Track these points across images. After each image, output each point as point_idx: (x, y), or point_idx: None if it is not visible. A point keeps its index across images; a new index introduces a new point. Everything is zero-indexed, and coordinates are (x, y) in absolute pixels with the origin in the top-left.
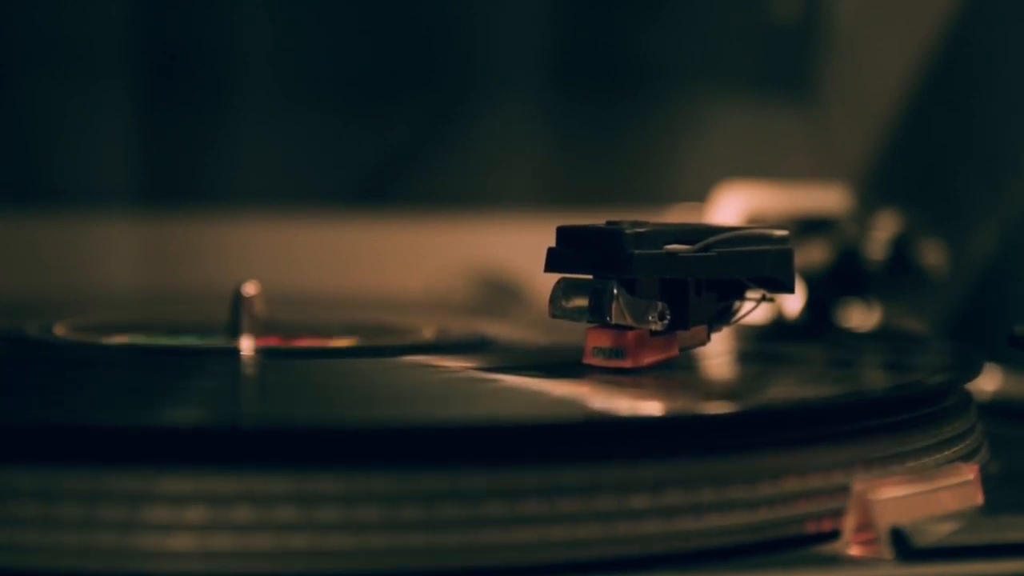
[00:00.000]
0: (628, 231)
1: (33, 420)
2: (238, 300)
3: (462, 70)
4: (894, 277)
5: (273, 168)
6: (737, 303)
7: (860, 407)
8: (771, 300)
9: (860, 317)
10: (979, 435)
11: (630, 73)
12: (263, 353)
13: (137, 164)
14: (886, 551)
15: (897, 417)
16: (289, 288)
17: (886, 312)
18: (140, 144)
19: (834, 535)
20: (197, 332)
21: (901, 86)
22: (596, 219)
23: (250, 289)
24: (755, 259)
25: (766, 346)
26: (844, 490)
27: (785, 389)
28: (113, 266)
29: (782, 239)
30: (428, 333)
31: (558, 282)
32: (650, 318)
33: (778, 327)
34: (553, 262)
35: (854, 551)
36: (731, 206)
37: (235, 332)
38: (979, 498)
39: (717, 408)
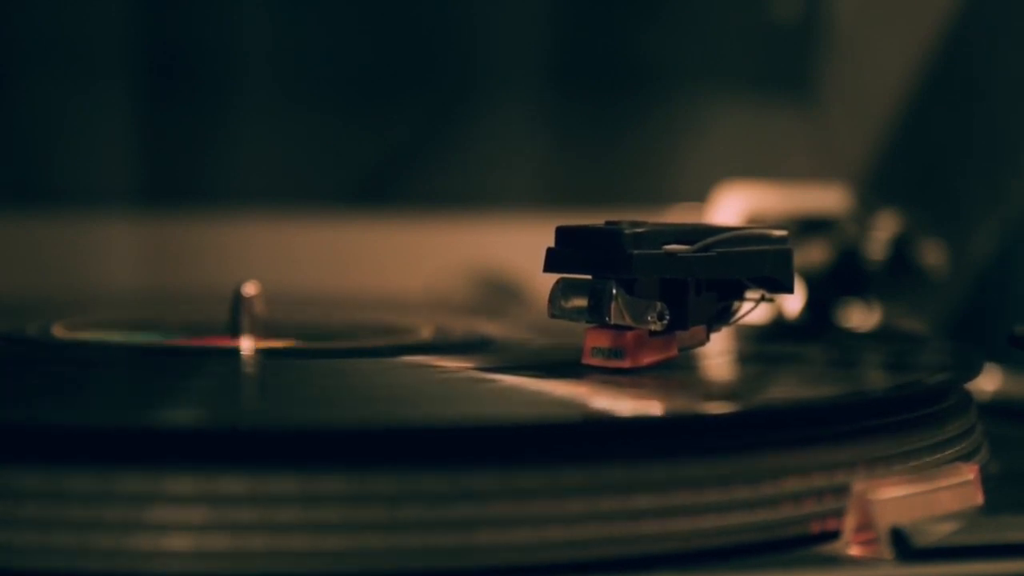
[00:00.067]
0: (627, 231)
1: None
2: (238, 300)
3: (462, 70)
4: (894, 277)
5: (273, 168)
6: (736, 303)
7: (860, 407)
8: (770, 300)
9: (860, 317)
10: (979, 435)
11: (630, 73)
12: (263, 353)
13: (137, 164)
14: (886, 551)
15: (897, 417)
16: (289, 288)
17: (886, 312)
18: (140, 144)
19: (834, 535)
20: (160, 330)
21: (901, 86)
22: (596, 219)
23: (250, 289)
24: (754, 259)
25: (766, 346)
26: (844, 490)
27: (785, 389)
28: (113, 266)
29: (781, 239)
30: (428, 333)
31: (557, 282)
32: (649, 318)
33: (778, 327)
34: (552, 262)
35: (854, 551)
36: (731, 206)
37: (235, 332)
38: (979, 498)
39: (717, 408)
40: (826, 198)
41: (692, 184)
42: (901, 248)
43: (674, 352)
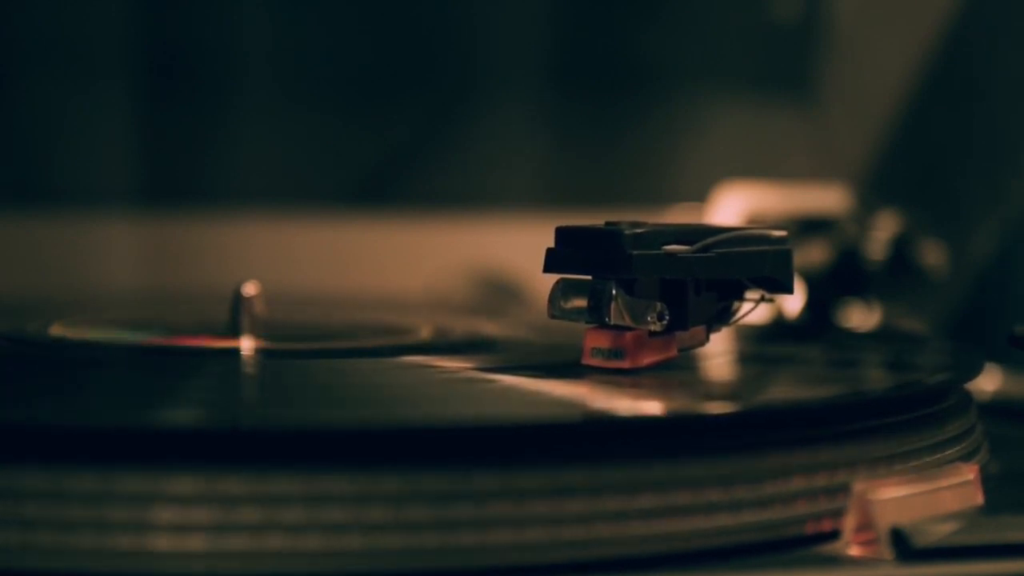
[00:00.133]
0: (627, 231)
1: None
2: (238, 300)
3: (462, 70)
4: (894, 277)
5: (273, 168)
6: (736, 303)
7: (860, 407)
8: (770, 300)
9: (860, 317)
10: (979, 435)
11: (630, 73)
12: (263, 353)
13: (137, 164)
14: (886, 551)
15: (897, 417)
16: (289, 288)
17: (886, 312)
18: (140, 144)
19: (834, 535)
20: (132, 328)
21: (901, 86)
22: (596, 219)
23: (250, 289)
24: (754, 259)
25: (766, 346)
26: (844, 490)
27: (785, 389)
28: (113, 266)
29: (781, 239)
30: (427, 333)
31: (557, 282)
32: (649, 319)
33: (778, 327)
34: (552, 262)
35: (854, 551)
36: (731, 206)
37: (235, 332)
38: (979, 498)
39: (717, 408)
40: (826, 198)
41: (692, 184)
42: (901, 248)
43: (674, 352)
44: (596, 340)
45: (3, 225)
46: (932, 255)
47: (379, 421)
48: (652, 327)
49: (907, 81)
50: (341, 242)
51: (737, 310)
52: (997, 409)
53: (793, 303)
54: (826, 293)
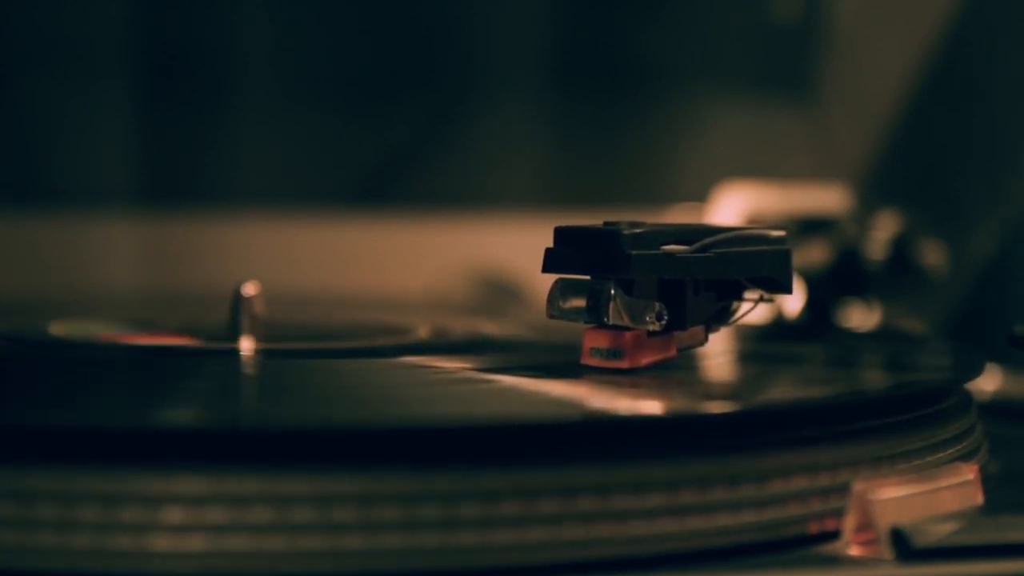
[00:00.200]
0: (626, 231)
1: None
2: (238, 300)
3: (462, 70)
4: (894, 277)
5: (273, 168)
6: (735, 303)
7: (860, 407)
8: (769, 300)
9: (860, 317)
10: (979, 435)
11: (630, 73)
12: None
13: (137, 164)
14: (886, 551)
15: (897, 417)
16: (289, 288)
17: (886, 312)
18: (140, 144)
19: (834, 535)
20: (132, 327)
21: (901, 86)
22: (596, 219)
23: (250, 289)
24: (753, 259)
25: (766, 346)
26: (844, 490)
27: (785, 389)
28: (113, 266)
29: (780, 239)
30: (427, 333)
31: (556, 282)
32: (647, 318)
33: (778, 327)
34: (551, 262)
35: (854, 551)
36: (731, 206)
37: (235, 332)
38: (979, 498)
39: (716, 408)
40: (826, 198)
41: (692, 184)
42: (901, 248)
43: (673, 352)
44: (595, 340)
45: (3, 225)
46: (932, 255)
47: (377, 421)
48: (651, 327)
49: (907, 81)
50: (341, 242)
51: (736, 310)
52: (997, 409)
53: (793, 303)
54: (826, 293)
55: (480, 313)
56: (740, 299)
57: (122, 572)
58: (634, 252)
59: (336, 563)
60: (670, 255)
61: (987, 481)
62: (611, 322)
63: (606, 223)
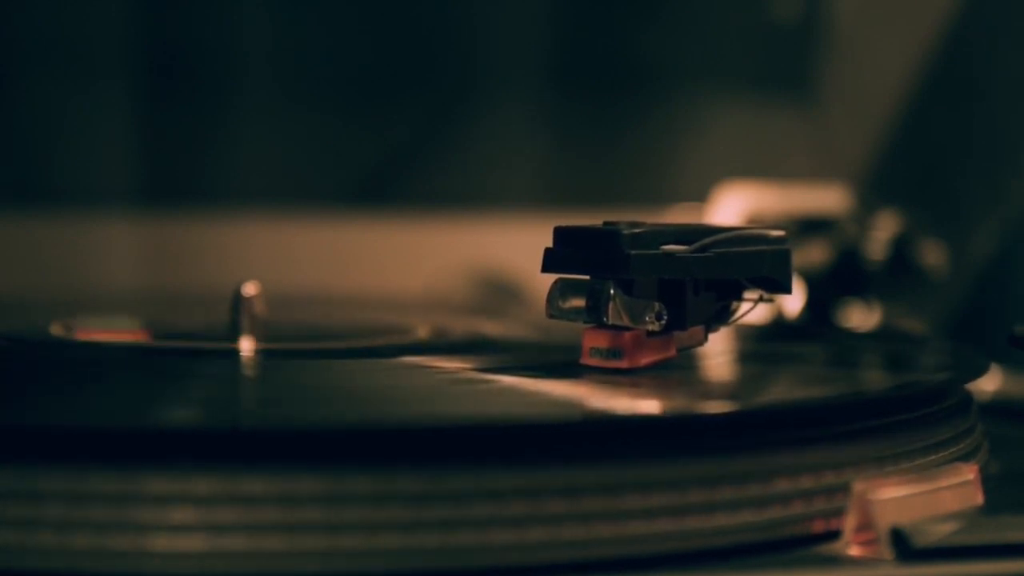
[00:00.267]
0: (625, 231)
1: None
2: (238, 300)
3: (462, 70)
4: (894, 277)
5: (273, 168)
6: (735, 303)
7: (860, 407)
8: (769, 300)
9: (860, 317)
10: (979, 435)
11: (630, 73)
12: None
13: (137, 164)
14: (886, 551)
15: (897, 417)
16: (289, 288)
17: (886, 312)
18: (140, 144)
19: (834, 535)
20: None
21: (901, 86)
22: (596, 219)
23: (250, 289)
24: (753, 259)
25: (766, 346)
26: (844, 490)
27: (785, 389)
28: (113, 266)
29: (779, 239)
30: (427, 333)
31: (555, 282)
32: (647, 318)
33: (778, 327)
34: (550, 262)
35: (854, 551)
36: (731, 206)
37: (235, 332)
38: (979, 498)
39: (716, 408)
40: (826, 198)
41: (692, 184)
42: (901, 248)
43: (672, 352)
44: (594, 340)
45: (3, 225)
46: (932, 255)
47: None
48: (650, 327)
49: (907, 81)
50: (341, 242)
51: (736, 310)
52: (997, 409)
53: (793, 303)
54: (826, 293)
55: (480, 313)
56: (740, 299)
57: (123, 572)
58: (633, 252)
59: (337, 563)
60: (670, 255)
61: (987, 481)
62: (611, 322)
63: (606, 223)
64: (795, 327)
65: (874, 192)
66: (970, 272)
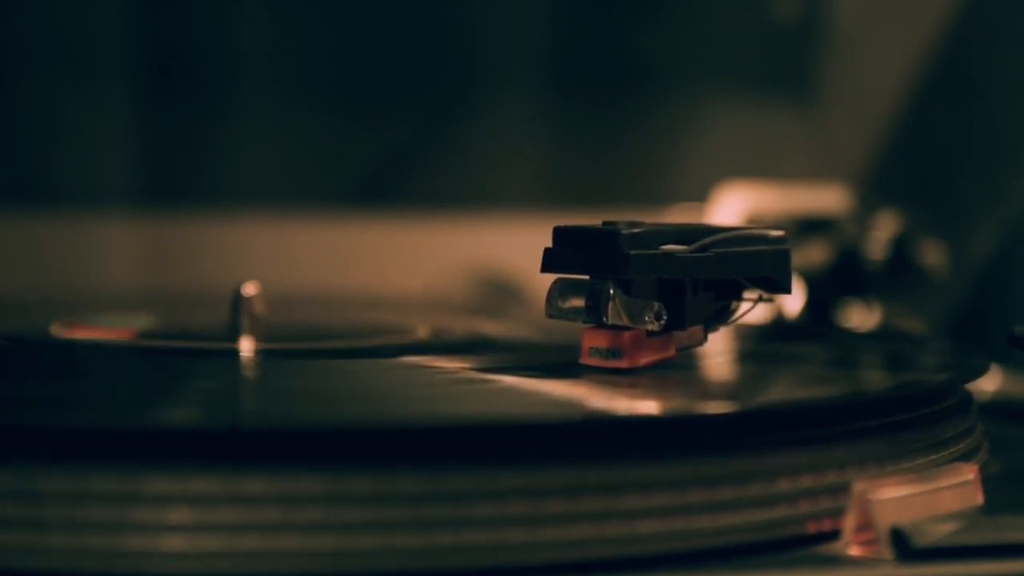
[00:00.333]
0: (624, 231)
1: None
2: (238, 300)
3: (462, 70)
4: (894, 277)
5: (273, 168)
6: (734, 303)
7: (860, 407)
8: (768, 300)
9: (860, 317)
10: (979, 435)
11: (630, 73)
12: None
13: (137, 164)
14: (886, 551)
15: (897, 417)
16: (289, 288)
17: (886, 312)
18: (140, 144)
19: (834, 535)
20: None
21: (901, 86)
22: (596, 219)
23: (250, 289)
24: (752, 259)
25: (766, 346)
26: (844, 490)
27: (785, 389)
28: (113, 266)
29: (779, 239)
30: (427, 333)
31: (554, 282)
32: (646, 318)
33: (778, 327)
34: (549, 262)
35: (854, 551)
36: (731, 206)
37: (235, 332)
38: (979, 498)
39: (716, 408)
40: (826, 198)
41: (692, 184)
42: (901, 248)
43: (672, 352)
44: (594, 340)
45: (3, 225)
46: (932, 255)
47: (372, 421)
48: (650, 327)
49: (907, 81)
50: (341, 242)
51: (735, 310)
52: (997, 409)
53: (793, 303)
54: (826, 293)
55: (480, 313)
56: (739, 299)
57: (123, 572)
58: (633, 252)
59: (337, 563)
60: (669, 255)
61: (987, 481)
62: (610, 322)
63: (605, 223)
64: (795, 327)
65: (874, 192)
66: (970, 272)
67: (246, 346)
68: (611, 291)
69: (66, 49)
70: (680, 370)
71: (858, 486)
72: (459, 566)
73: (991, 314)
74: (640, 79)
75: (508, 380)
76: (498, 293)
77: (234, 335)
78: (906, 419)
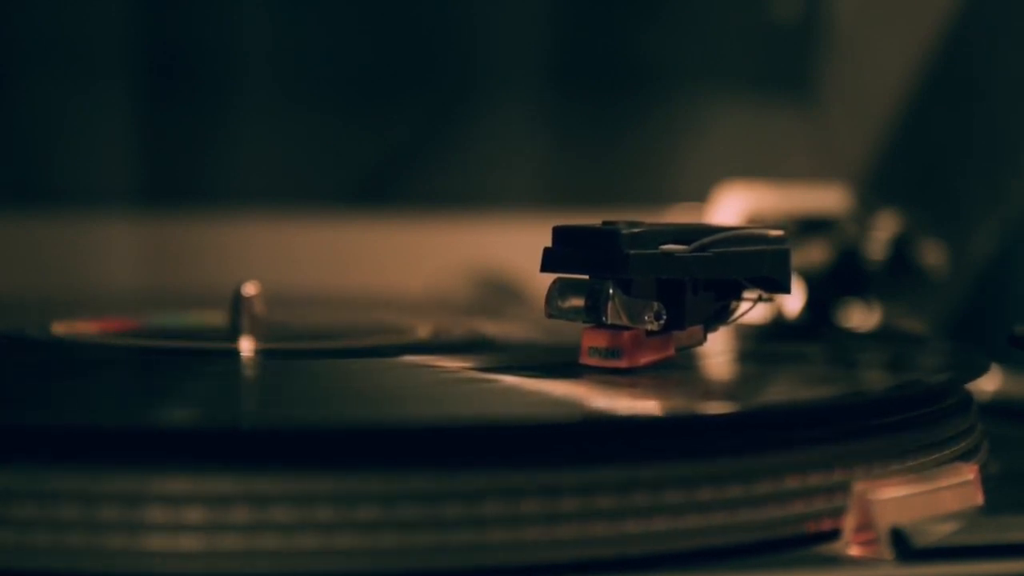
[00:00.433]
0: (624, 231)
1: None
2: (238, 300)
3: (462, 70)
4: (894, 277)
5: (273, 168)
6: (734, 303)
7: (860, 407)
8: (768, 300)
9: (860, 317)
10: (979, 435)
11: (630, 73)
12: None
13: (137, 164)
14: (886, 551)
15: (897, 417)
16: (289, 288)
17: (886, 312)
18: (140, 144)
19: (834, 535)
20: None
21: (901, 86)
22: (596, 219)
23: (250, 289)
24: (752, 259)
25: (766, 346)
26: (844, 490)
27: (785, 389)
28: (113, 266)
29: (779, 239)
30: (427, 333)
31: (554, 282)
32: (646, 318)
33: (778, 327)
34: (549, 262)
35: (854, 551)
36: (731, 206)
37: (235, 332)
38: (979, 498)
39: (716, 408)
40: (826, 198)
41: (692, 184)
42: (901, 248)
43: (671, 352)
44: (593, 340)
45: (3, 225)
46: (932, 255)
47: (372, 421)
48: (649, 327)
49: (907, 81)
50: (341, 242)
51: (735, 310)
52: (997, 409)
53: (793, 303)
54: (826, 293)
55: (480, 313)
56: (739, 299)
57: (123, 572)
58: (632, 252)
59: (338, 562)
60: (668, 255)
61: (987, 481)
62: (609, 322)
63: (605, 223)
64: (795, 327)
65: (874, 192)
66: (970, 272)
67: (246, 346)
68: (611, 291)
69: (66, 49)
70: (680, 370)
71: (858, 486)
72: (459, 565)
73: (991, 314)
74: (640, 79)
75: (508, 380)
76: (498, 293)
77: (234, 335)
78: (906, 419)
